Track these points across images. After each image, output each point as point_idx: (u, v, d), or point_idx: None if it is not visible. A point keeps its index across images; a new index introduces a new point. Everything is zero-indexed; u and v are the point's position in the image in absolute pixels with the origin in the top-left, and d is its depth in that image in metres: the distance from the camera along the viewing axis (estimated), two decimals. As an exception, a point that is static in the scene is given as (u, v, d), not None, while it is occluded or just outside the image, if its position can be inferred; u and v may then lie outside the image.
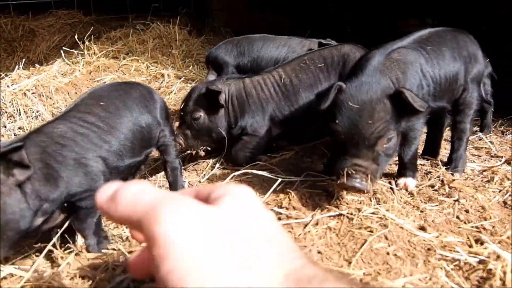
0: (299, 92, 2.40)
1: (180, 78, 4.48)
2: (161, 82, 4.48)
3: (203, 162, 2.60)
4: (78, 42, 5.38)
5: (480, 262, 1.43)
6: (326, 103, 1.72)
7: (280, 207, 1.72)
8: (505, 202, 1.82)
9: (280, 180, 1.85)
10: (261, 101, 2.40)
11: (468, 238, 1.57)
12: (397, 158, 2.00)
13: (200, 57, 5.17)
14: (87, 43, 5.25)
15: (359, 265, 1.41)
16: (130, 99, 1.91)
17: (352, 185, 1.61)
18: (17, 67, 4.31)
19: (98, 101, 1.83)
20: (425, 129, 2.22)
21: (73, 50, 5.19)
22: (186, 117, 2.48)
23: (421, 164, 2.16)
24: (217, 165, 2.49)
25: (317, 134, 2.51)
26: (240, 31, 4.73)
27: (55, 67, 4.99)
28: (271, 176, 1.95)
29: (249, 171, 2.04)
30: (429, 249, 1.50)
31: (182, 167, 2.16)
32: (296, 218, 1.63)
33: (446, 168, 2.12)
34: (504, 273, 1.37)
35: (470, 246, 1.53)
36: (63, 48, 5.25)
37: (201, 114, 2.43)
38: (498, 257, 1.43)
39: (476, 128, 2.88)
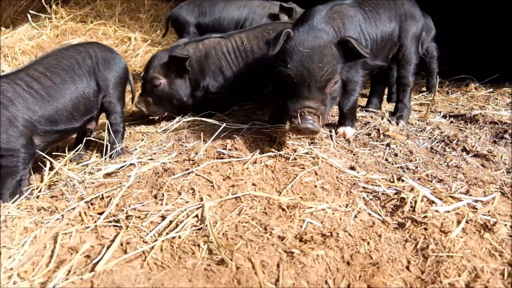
0: (258, 59, 2.50)
1: (146, 41, 4.52)
2: (128, 46, 4.51)
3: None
4: (46, 6, 5.31)
5: (396, 193, 1.62)
6: (276, 49, 1.82)
7: (224, 148, 1.86)
8: (432, 148, 2.00)
9: (224, 124, 1.99)
10: (221, 63, 2.49)
11: (392, 176, 1.76)
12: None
13: (169, 22, 5.20)
14: (54, 7, 5.20)
15: (288, 195, 1.58)
16: (79, 70, 2.01)
17: (306, 126, 1.72)
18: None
19: (47, 69, 1.92)
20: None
21: (40, 14, 5.13)
22: (146, 85, 2.54)
23: (362, 116, 2.33)
24: (177, 119, 2.60)
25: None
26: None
27: (21, 29, 4.97)
28: (217, 123, 2.09)
29: (201, 119, 2.17)
30: (354, 183, 1.68)
31: (124, 130, 2.22)
32: (238, 157, 1.77)
33: (392, 116, 2.30)
34: (415, 201, 1.56)
35: (392, 181, 1.72)
36: (30, 12, 5.17)
37: (161, 81, 2.48)
38: (412, 189, 1.62)
39: (424, 89, 3.07)
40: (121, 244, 1.37)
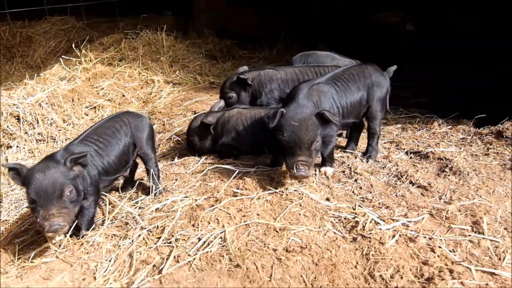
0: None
1: (169, 84, 5.52)
2: (152, 88, 5.50)
3: (190, 158, 3.64)
4: (75, 49, 6.35)
5: (354, 217, 2.52)
6: (274, 123, 2.75)
7: (238, 188, 2.79)
8: (387, 181, 2.90)
9: (237, 171, 2.92)
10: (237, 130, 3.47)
11: (354, 204, 2.66)
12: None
13: (185, 62, 6.21)
14: (83, 51, 6.24)
15: (281, 221, 2.49)
16: (119, 134, 2.92)
17: (301, 174, 2.65)
18: (29, 80, 5.29)
19: (99, 137, 2.83)
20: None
21: (71, 58, 6.15)
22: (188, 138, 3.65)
23: (340, 156, 3.23)
24: (202, 160, 3.53)
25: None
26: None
27: (52, 71, 5.98)
28: (233, 168, 3.03)
29: (219, 165, 3.11)
30: (327, 211, 2.59)
31: (160, 173, 3.15)
32: (247, 195, 2.70)
33: (363, 156, 3.20)
34: (365, 223, 2.46)
35: (354, 209, 2.62)
36: (62, 57, 6.21)
37: (195, 139, 3.57)
38: (365, 214, 2.52)
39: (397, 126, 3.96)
40: (174, 257, 2.30)
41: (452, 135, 3.58)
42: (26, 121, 4.45)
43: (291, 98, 2.87)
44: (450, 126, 3.75)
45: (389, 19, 8.17)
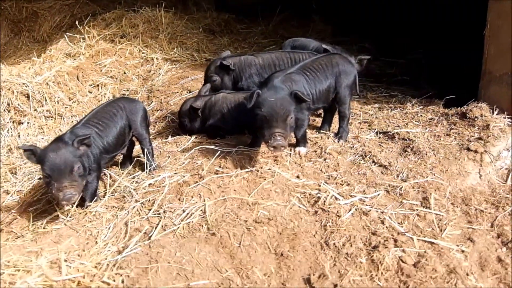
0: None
1: (167, 61, 5.85)
2: (151, 65, 5.84)
3: (182, 137, 4.04)
4: (79, 27, 6.66)
5: (318, 193, 2.93)
6: (252, 103, 3.10)
7: (220, 166, 3.20)
8: (353, 161, 3.28)
9: (220, 151, 3.32)
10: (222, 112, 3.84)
11: (320, 182, 3.05)
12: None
13: (183, 39, 6.51)
14: (87, 28, 6.55)
15: (254, 196, 2.91)
16: (116, 117, 3.31)
17: (278, 143, 2.96)
18: (36, 58, 5.66)
19: (99, 120, 3.22)
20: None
21: (76, 35, 6.47)
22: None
23: (315, 137, 3.60)
24: (192, 139, 3.93)
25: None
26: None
27: (61, 49, 6.33)
28: (217, 148, 3.43)
29: (205, 146, 3.51)
30: (295, 188, 2.99)
31: (153, 151, 3.55)
32: (227, 173, 3.11)
33: (335, 137, 3.57)
34: (326, 198, 2.86)
35: (319, 186, 3.02)
36: (67, 34, 6.53)
37: (185, 120, 3.96)
38: (326, 191, 2.92)
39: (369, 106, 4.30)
40: (162, 226, 2.73)
41: (421, 115, 3.91)
42: (35, 99, 4.85)
43: (267, 83, 3.22)
44: (422, 107, 4.07)
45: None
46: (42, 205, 3.24)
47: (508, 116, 3.57)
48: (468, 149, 3.30)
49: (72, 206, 3.00)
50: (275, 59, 4.14)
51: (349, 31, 7.17)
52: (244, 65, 4.20)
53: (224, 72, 4.23)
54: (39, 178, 3.57)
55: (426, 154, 3.29)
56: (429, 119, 3.85)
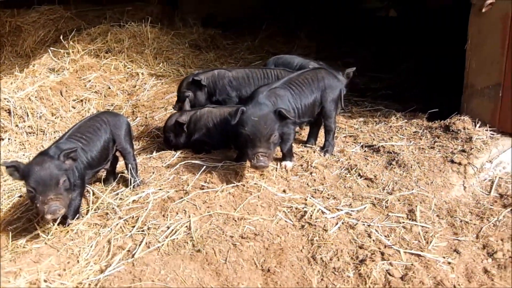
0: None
1: (152, 76, 5.83)
2: (137, 80, 5.81)
3: (167, 152, 4.00)
4: (63, 41, 6.61)
5: (304, 207, 2.91)
6: (236, 120, 3.10)
7: (205, 181, 3.16)
8: (339, 174, 3.28)
9: (205, 166, 3.29)
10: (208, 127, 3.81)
11: (306, 196, 3.04)
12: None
13: (169, 54, 6.50)
14: (71, 42, 6.50)
15: (240, 211, 2.88)
16: (100, 132, 3.26)
17: (260, 164, 2.99)
18: (19, 73, 5.59)
19: (83, 134, 3.17)
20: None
21: (60, 50, 6.41)
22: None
23: (301, 151, 3.60)
24: (177, 154, 3.89)
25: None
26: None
27: (44, 64, 6.26)
28: (202, 163, 3.40)
29: (191, 161, 3.48)
30: (281, 202, 2.97)
31: (137, 166, 3.51)
32: (212, 188, 3.08)
33: (321, 150, 3.58)
34: (312, 212, 2.84)
35: (305, 200, 3.00)
36: (51, 48, 6.48)
37: (171, 135, 3.90)
38: (313, 205, 2.91)
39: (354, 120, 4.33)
40: (146, 243, 2.68)
41: (406, 129, 3.94)
42: (16, 114, 4.77)
43: (251, 99, 3.22)
44: (406, 120, 4.11)
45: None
46: (22, 223, 3.14)
47: (490, 129, 3.63)
48: (452, 161, 3.34)
49: (54, 224, 2.93)
50: (248, 72, 4.25)
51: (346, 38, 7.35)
52: (218, 78, 4.27)
53: (196, 87, 4.26)
54: (19, 196, 3.49)
55: (411, 167, 3.31)
56: (413, 132, 3.88)
